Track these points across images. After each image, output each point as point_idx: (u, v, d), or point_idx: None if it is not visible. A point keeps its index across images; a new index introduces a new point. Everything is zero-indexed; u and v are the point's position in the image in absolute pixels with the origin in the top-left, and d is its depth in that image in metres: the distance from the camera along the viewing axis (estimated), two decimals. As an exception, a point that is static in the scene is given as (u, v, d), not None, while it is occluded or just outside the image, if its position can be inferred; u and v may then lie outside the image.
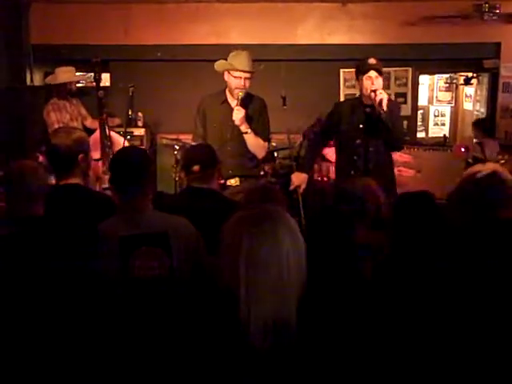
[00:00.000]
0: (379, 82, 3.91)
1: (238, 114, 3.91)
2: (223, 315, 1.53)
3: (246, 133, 3.98)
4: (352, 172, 3.95)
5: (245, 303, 1.46)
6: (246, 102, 4.02)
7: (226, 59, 4.08)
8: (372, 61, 3.93)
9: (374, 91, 3.84)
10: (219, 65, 4.07)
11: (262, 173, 5.81)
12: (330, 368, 1.52)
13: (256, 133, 4.03)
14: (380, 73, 3.94)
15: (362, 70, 3.96)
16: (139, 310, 2.28)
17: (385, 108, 3.78)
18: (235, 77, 3.98)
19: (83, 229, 2.33)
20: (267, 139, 4.23)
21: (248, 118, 3.99)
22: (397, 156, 5.02)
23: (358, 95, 4.14)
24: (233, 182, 4.05)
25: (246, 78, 3.99)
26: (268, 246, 1.46)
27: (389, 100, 3.90)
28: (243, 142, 4.02)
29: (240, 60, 3.99)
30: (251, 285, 1.46)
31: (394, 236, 2.44)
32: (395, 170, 4.42)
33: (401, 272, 2.24)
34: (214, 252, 1.57)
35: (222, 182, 3.93)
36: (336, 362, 1.53)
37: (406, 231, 2.39)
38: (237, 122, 3.93)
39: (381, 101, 3.80)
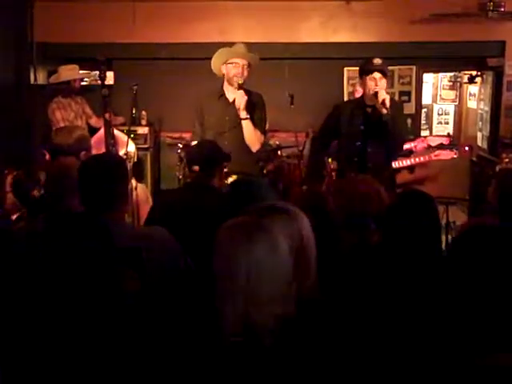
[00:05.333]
0: (383, 83, 3.88)
1: (242, 99, 3.91)
2: (204, 314, 1.64)
3: (246, 119, 3.96)
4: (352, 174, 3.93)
5: (218, 300, 1.58)
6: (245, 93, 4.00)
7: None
8: (377, 61, 3.88)
9: (376, 93, 3.83)
10: (216, 62, 4.06)
11: (264, 171, 5.83)
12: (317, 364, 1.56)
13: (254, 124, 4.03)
14: (385, 74, 3.90)
15: (366, 71, 3.92)
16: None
17: (388, 107, 3.78)
18: (234, 64, 3.97)
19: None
20: (263, 133, 4.21)
21: (246, 110, 3.97)
22: (430, 141, 5.03)
23: (359, 96, 4.12)
24: (230, 179, 4.05)
25: (243, 66, 3.98)
26: (240, 251, 1.56)
27: (391, 101, 3.88)
28: (240, 137, 4.00)
29: (236, 48, 4.01)
30: (223, 284, 1.57)
31: (385, 231, 2.45)
32: (432, 156, 4.44)
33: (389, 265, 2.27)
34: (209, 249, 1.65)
35: None
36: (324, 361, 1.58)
37: (398, 227, 2.39)
38: (238, 106, 3.92)
39: (384, 100, 3.79)
